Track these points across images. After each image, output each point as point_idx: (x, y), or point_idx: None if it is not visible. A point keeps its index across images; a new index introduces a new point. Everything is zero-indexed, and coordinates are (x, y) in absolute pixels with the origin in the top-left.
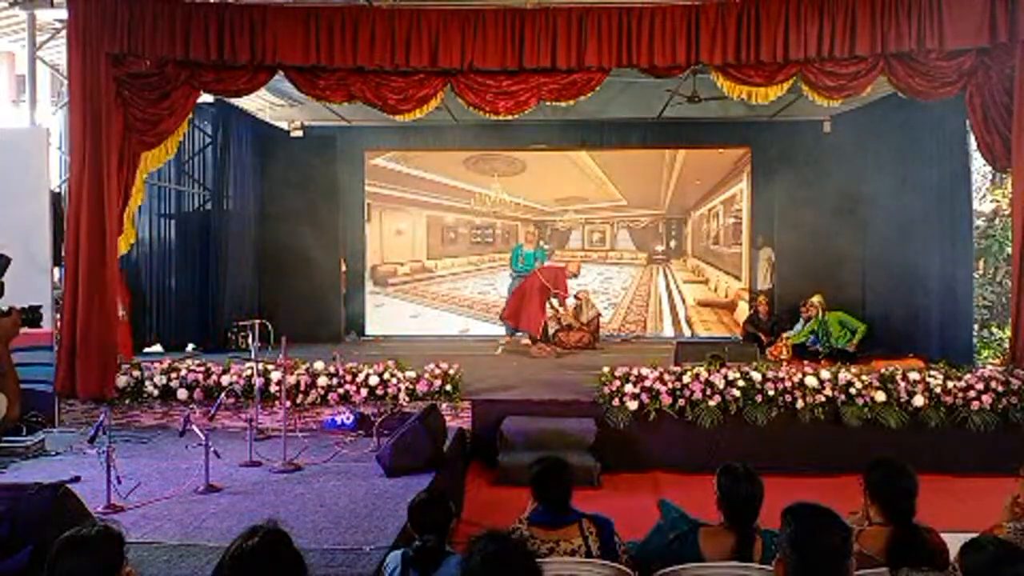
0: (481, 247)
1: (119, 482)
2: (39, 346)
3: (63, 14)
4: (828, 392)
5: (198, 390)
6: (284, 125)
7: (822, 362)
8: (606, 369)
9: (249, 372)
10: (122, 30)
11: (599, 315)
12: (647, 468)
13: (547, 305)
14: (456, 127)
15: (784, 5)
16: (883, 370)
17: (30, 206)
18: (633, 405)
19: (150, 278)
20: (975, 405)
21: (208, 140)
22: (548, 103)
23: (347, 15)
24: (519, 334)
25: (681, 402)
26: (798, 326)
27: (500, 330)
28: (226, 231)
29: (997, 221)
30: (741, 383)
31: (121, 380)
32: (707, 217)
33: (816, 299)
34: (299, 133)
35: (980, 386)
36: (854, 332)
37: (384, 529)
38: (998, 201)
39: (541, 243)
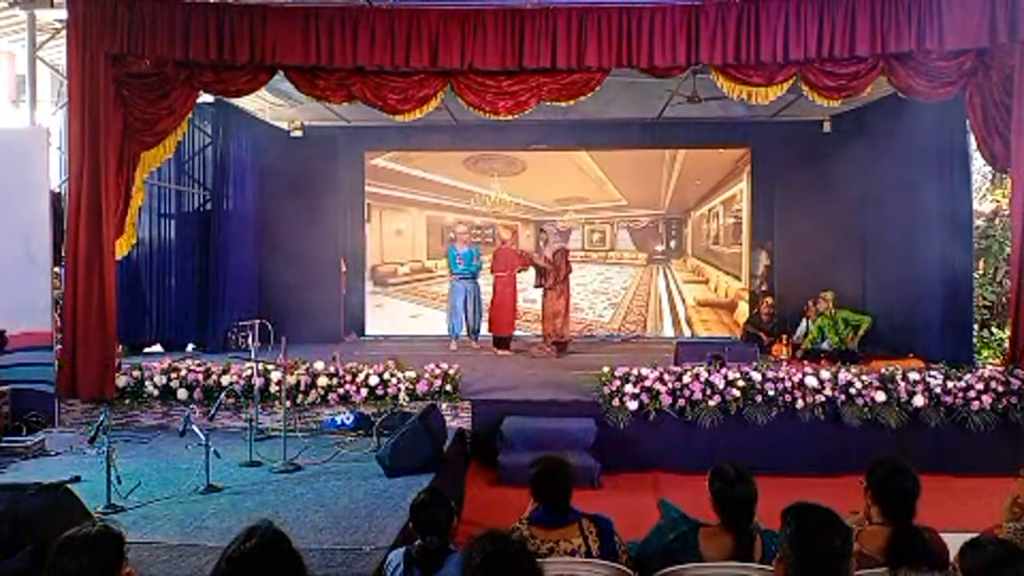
0: (481, 247)
1: (119, 482)
2: (39, 346)
3: (63, 14)
4: (828, 392)
5: (198, 390)
6: (284, 125)
7: (822, 362)
8: (606, 369)
9: (249, 372)
10: (122, 30)
11: (565, 251)
12: (647, 468)
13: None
14: (456, 127)
15: (784, 5)
16: (883, 370)
17: (30, 206)
18: (633, 405)
19: (150, 278)
20: (975, 405)
21: (208, 140)
22: (548, 103)
23: (347, 15)
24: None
25: (681, 402)
26: (801, 327)
27: None
28: (226, 231)
29: (997, 221)
30: (741, 383)
31: (121, 380)
32: (707, 217)
33: (829, 295)
34: (299, 133)
35: (980, 386)
36: (857, 328)
37: (384, 529)
38: (998, 201)
39: (473, 240)
